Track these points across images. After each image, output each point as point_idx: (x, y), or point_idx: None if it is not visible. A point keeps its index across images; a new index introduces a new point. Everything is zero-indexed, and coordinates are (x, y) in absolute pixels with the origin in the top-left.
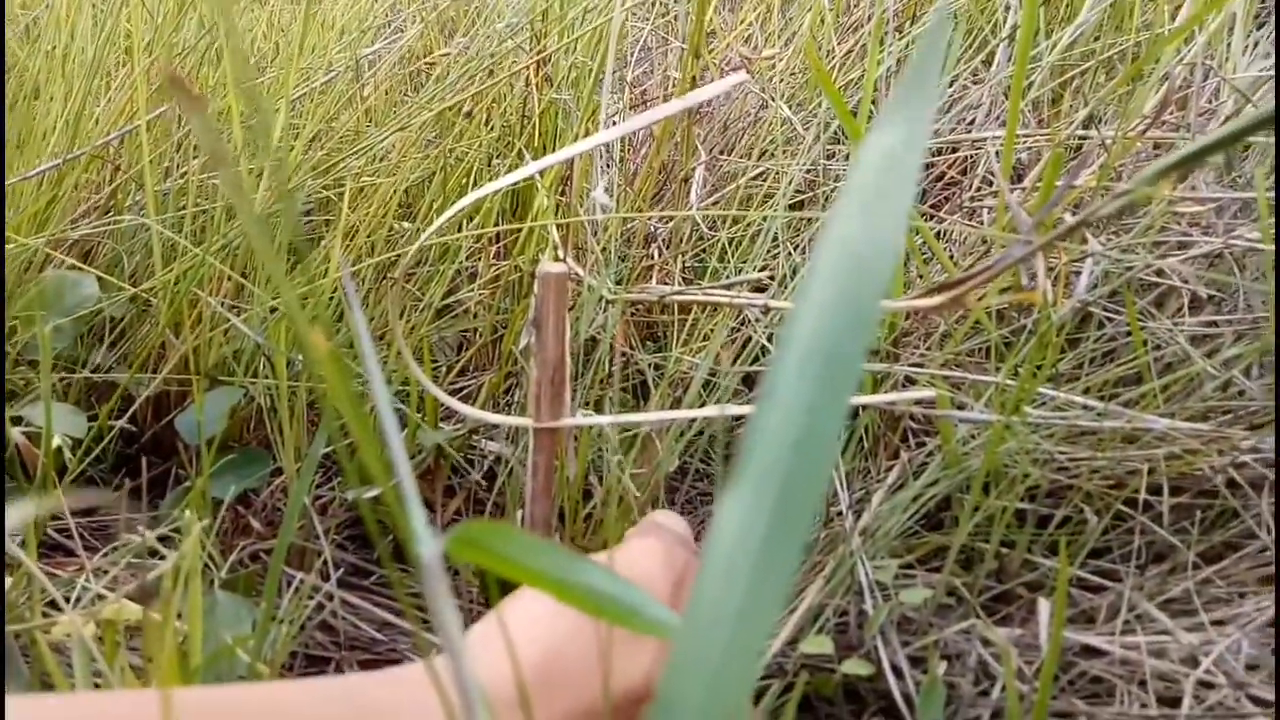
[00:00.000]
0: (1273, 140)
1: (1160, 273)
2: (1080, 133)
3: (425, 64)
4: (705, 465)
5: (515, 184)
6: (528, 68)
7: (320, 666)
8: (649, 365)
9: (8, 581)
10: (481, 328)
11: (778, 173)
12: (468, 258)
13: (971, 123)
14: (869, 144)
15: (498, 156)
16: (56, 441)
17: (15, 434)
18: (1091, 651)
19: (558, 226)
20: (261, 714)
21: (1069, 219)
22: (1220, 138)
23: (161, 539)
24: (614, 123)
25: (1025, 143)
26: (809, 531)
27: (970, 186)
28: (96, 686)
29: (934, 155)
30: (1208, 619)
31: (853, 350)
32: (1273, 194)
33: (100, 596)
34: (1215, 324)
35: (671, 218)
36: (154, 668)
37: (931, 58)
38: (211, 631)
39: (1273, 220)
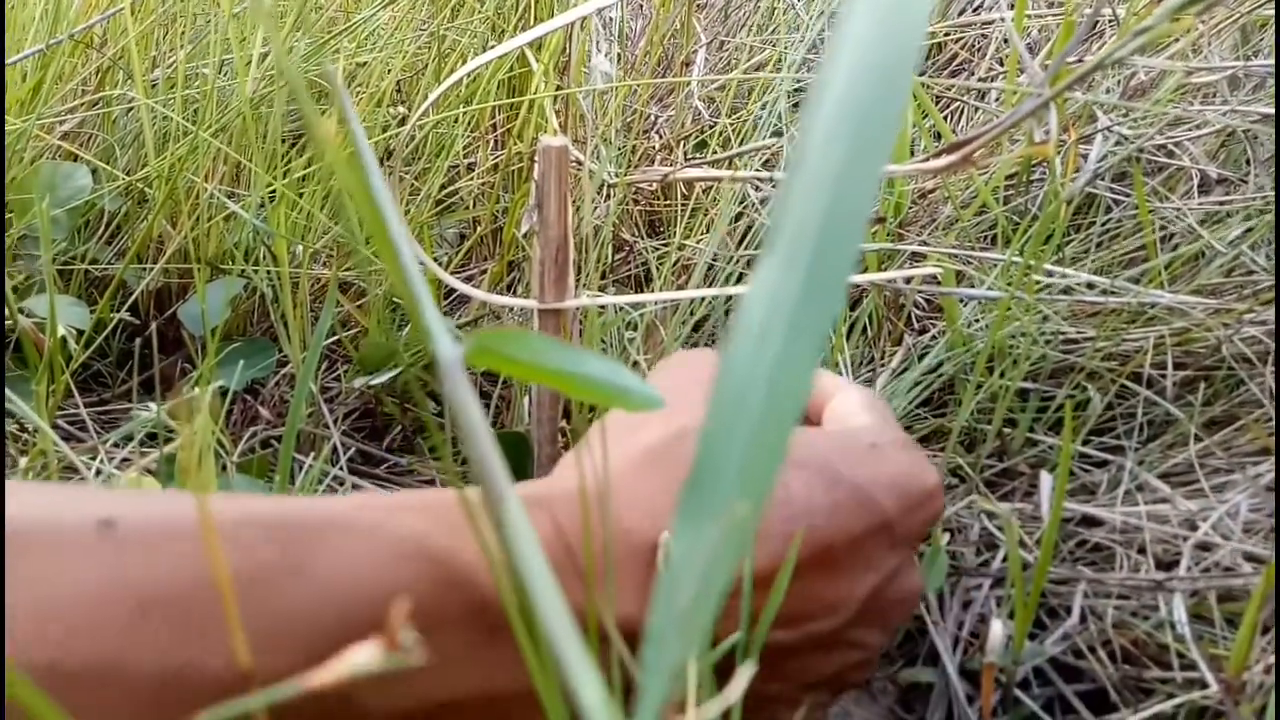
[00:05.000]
0: None
1: (1170, 154)
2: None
3: None
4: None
5: (511, 63)
6: None
7: None
8: (652, 254)
9: (23, 460)
10: (481, 217)
11: (779, 58)
12: (464, 149)
13: (980, 6)
14: None
15: (494, 43)
16: (61, 331)
17: (22, 320)
18: (1092, 521)
19: (557, 113)
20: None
21: (1080, 96)
22: None
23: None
24: None
25: (1037, 23)
26: (842, 298)
27: (980, 68)
28: None
29: (943, 36)
30: (1208, 486)
31: (886, 111)
32: None
33: (113, 476)
34: (1224, 205)
35: (671, 105)
36: None
37: None
38: None
39: None
